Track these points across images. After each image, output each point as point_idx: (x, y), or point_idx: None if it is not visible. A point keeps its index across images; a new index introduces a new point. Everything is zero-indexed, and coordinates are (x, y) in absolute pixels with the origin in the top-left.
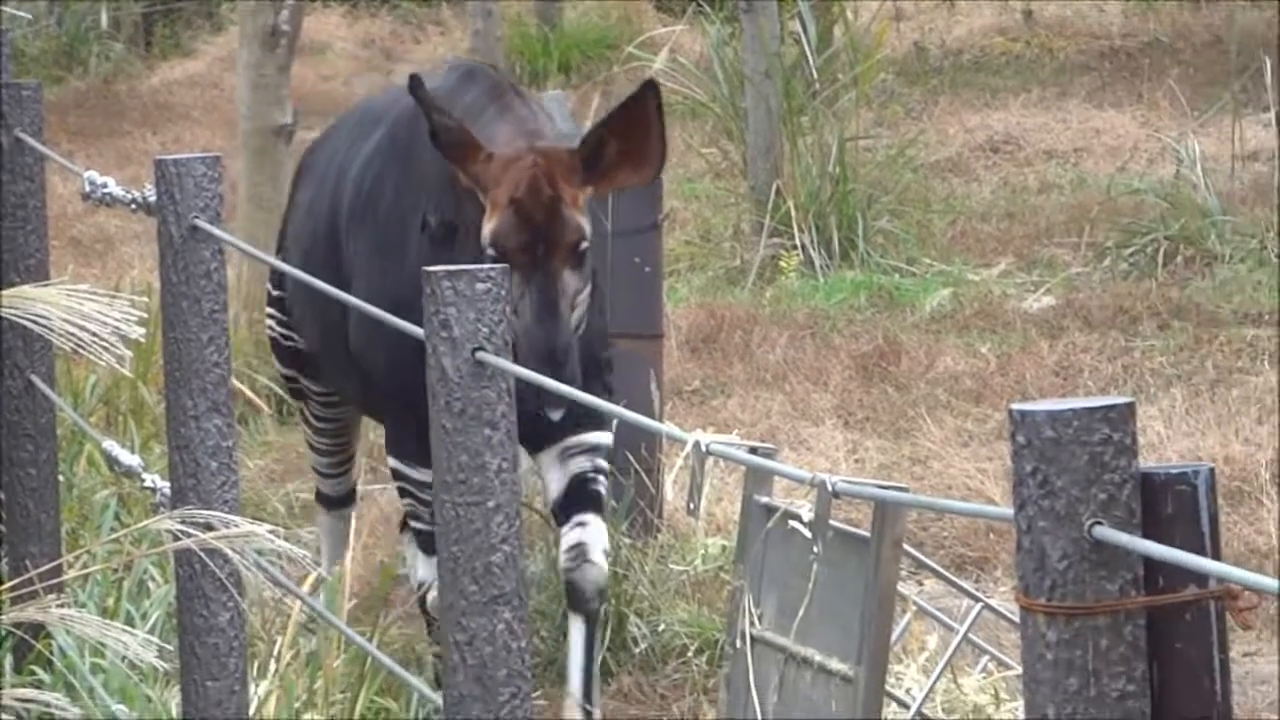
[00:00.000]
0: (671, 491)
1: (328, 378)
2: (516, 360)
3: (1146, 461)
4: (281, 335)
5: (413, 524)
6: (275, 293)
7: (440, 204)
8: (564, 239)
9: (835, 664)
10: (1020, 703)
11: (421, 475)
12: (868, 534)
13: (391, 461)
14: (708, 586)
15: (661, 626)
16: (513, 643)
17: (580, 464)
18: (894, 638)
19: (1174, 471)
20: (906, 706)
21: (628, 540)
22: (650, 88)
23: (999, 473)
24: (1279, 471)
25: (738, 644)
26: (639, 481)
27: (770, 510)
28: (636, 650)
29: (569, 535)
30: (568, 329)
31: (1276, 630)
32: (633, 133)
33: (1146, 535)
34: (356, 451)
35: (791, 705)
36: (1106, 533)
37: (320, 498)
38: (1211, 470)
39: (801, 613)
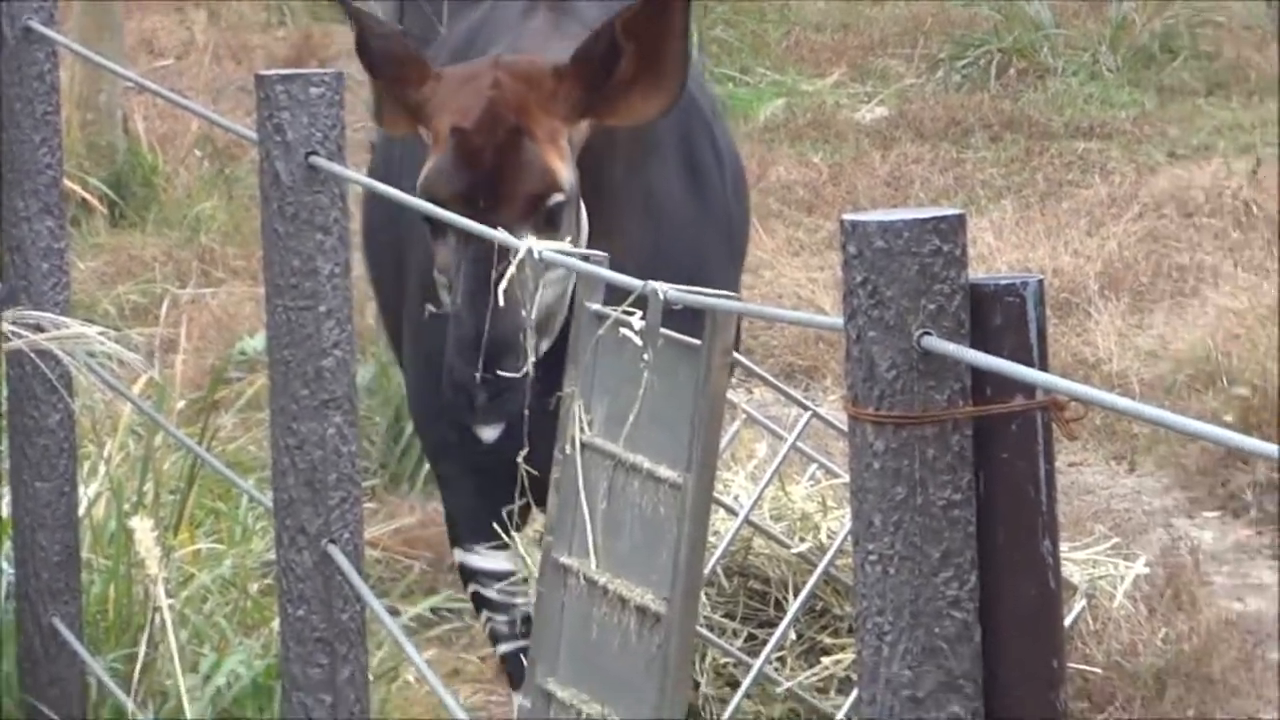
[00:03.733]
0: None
1: None
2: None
3: (976, 273)
4: None
5: (497, 648)
6: None
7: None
8: (519, 187)
9: (664, 471)
10: (847, 511)
11: (485, 561)
12: (698, 342)
13: (455, 554)
14: None
15: None
16: (343, 447)
17: None
18: (723, 445)
19: (1003, 283)
20: (735, 513)
21: None
22: None
23: (829, 282)
24: (1107, 284)
25: (567, 450)
26: None
27: (601, 317)
28: None
29: None
30: (511, 316)
31: (1101, 441)
32: (650, 41)
33: (975, 346)
34: None
35: (620, 511)
36: (935, 343)
37: None
38: (1040, 281)
39: (631, 420)
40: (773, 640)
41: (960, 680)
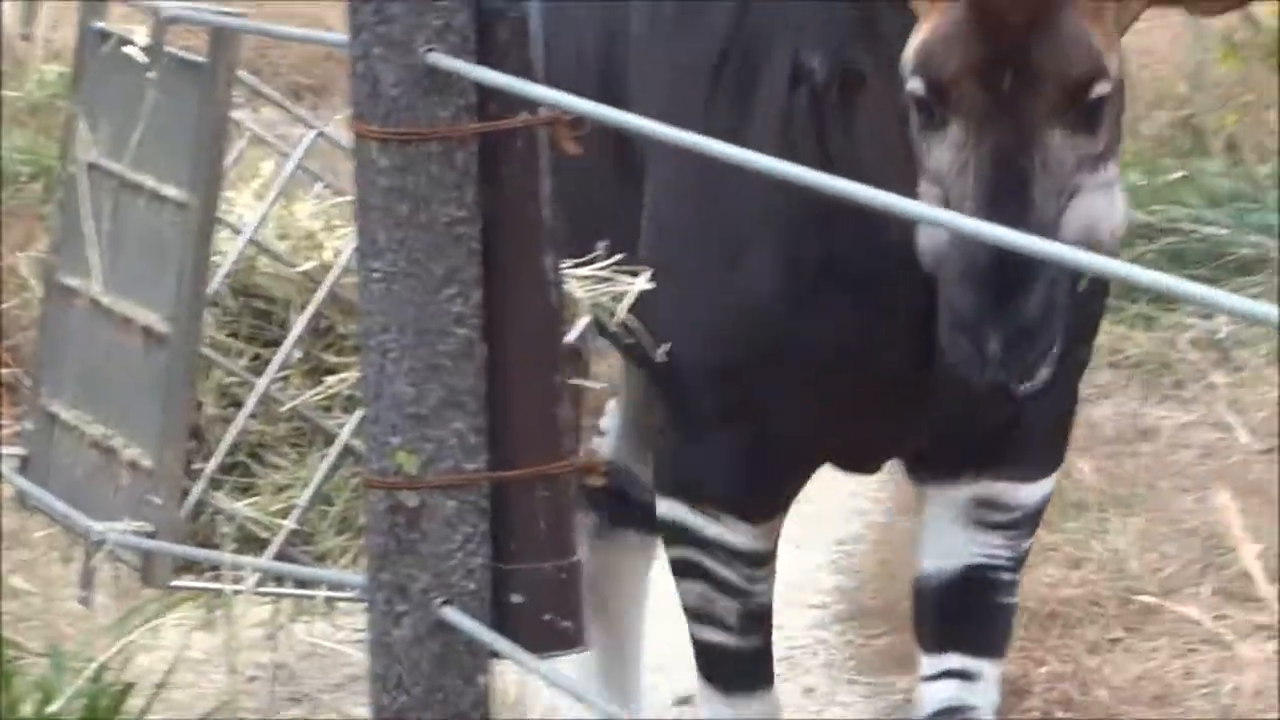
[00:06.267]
0: (10, 17)
1: None
2: (942, 275)
3: None
4: None
5: (697, 633)
6: None
7: (826, 35)
8: (1056, 67)
9: (169, 190)
10: (353, 228)
11: (732, 535)
12: (203, 60)
13: (665, 504)
14: (44, 113)
15: None
16: None
17: (991, 546)
18: (228, 164)
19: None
20: (239, 232)
21: None
22: None
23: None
24: None
25: (72, 170)
26: None
27: (106, 36)
28: None
29: (935, 688)
30: (1047, 231)
31: None
32: None
33: (481, 63)
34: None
35: (125, 232)
36: (440, 59)
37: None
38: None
39: (136, 139)
40: (276, 359)
41: (463, 396)
